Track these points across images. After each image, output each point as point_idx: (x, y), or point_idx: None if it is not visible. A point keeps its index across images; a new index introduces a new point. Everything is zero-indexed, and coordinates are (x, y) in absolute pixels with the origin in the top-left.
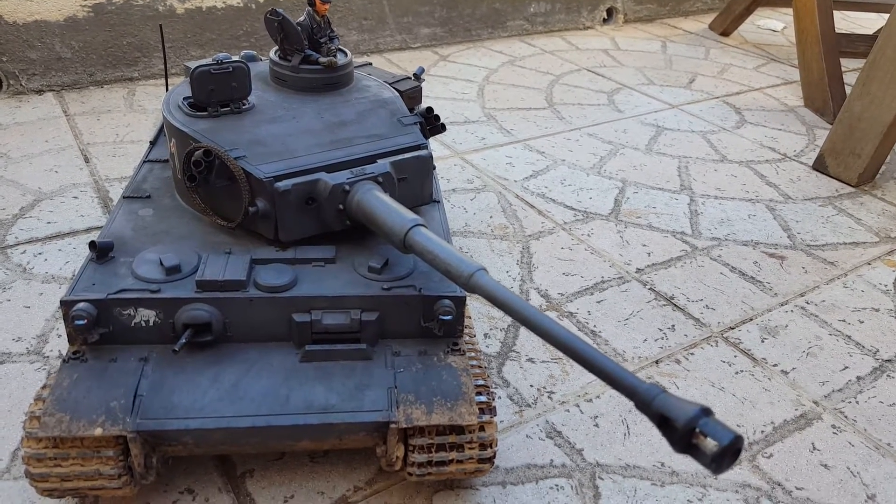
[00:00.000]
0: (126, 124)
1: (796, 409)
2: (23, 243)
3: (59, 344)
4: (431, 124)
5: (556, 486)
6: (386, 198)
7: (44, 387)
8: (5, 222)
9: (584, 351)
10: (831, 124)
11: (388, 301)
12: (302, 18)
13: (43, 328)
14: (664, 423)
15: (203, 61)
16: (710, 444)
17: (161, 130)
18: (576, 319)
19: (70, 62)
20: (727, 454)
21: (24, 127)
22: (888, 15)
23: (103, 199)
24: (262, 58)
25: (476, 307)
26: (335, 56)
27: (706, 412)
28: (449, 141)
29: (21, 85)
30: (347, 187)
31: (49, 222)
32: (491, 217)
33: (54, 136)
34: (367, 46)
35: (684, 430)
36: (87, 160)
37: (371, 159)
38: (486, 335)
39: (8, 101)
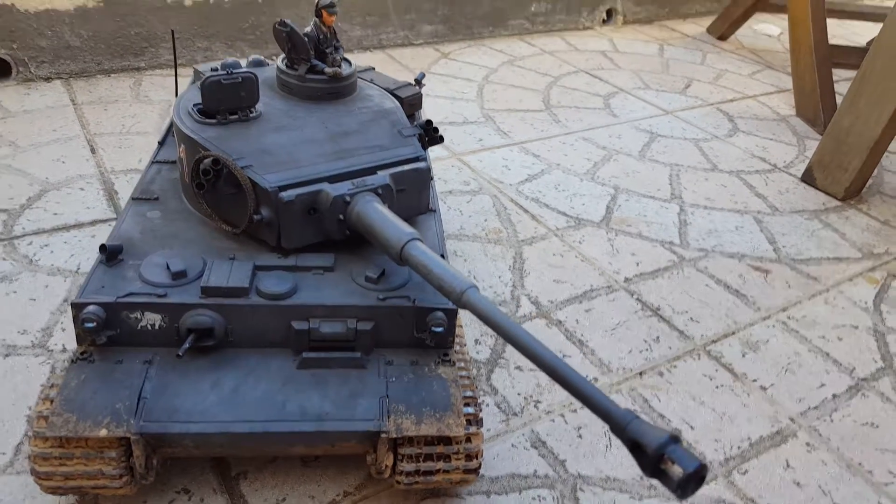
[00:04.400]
0: (132, 115)
1: (773, 426)
2: (29, 234)
3: (63, 338)
4: (430, 136)
5: (539, 496)
6: (384, 210)
7: (50, 385)
8: (13, 212)
9: (565, 373)
10: (821, 135)
11: (384, 311)
12: (309, 29)
13: (48, 321)
14: (636, 447)
15: (212, 65)
16: (677, 471)
17: (169, 130)
18: (564, 328)
19: (79, 50)
20: (692, 480)
21: (33, 115)
22: (881, 24)
23: (108, 192)
24: (269, 62)
25: (469, 313)
26: (340, 66)
27: (675, 439)
28: (447, 142)
29: (30, 72)
30: (348, 198)
31: (55, 213)
32: (486, 220)
33: (62, 126)
34: (370, 42)
35: (654, 456)
36: (93, 151)
37: (371, 171)
38: (476, 341)
39: (17, 87)
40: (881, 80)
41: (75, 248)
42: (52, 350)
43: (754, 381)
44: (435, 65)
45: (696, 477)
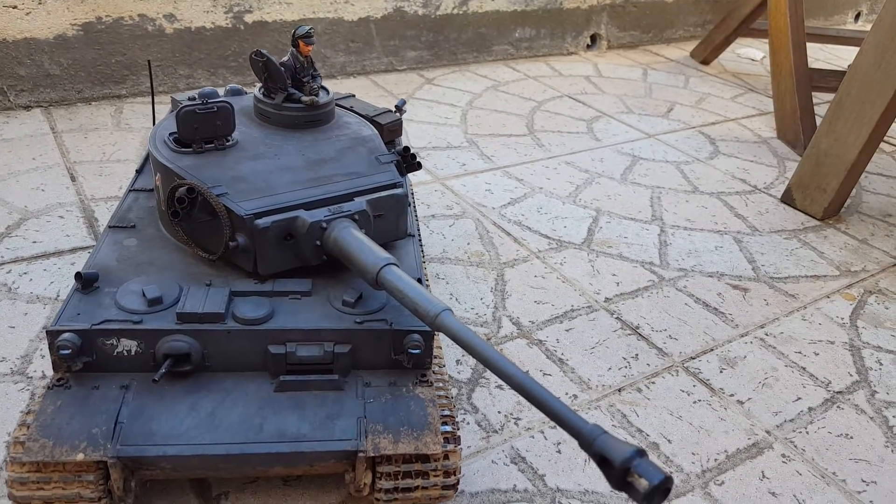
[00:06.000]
0: (113, 143)
1: (749, 439)
2: (8, 262)
3: (42, 364)
4: (408, 163)
5: None
6: (361, 236)
7: (28, 412)
8: None
9: (536, 392)
10: (801, 157)
11: (361, 334)
12: (286, 58)
13: (27, 349)
14: (603, 462)
15: (189, 94)
16: (643, 483)
17: (147, 159)
18: (545, 347)
19: (59, 79)
20: (657, 492)
21: (12, 143)
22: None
23: (89, 220)
24: (247, 91)
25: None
26: (317, 95)
27: (641, 453)
28: (430, 166)
29: (9, 100)
30: (325, 224)
31: (35, 242)
32: (468, 244)
33: (41, 154)
34: (353, 68)
35: (620, 469)
36: (73, 179)
37: (348, 197)
38: (458, 361)
39: None
40: (857, 104)
41: (55, 275)
42: (31, 377)
43: (731, 395)
44: (419, 90)
45: (662, 489)
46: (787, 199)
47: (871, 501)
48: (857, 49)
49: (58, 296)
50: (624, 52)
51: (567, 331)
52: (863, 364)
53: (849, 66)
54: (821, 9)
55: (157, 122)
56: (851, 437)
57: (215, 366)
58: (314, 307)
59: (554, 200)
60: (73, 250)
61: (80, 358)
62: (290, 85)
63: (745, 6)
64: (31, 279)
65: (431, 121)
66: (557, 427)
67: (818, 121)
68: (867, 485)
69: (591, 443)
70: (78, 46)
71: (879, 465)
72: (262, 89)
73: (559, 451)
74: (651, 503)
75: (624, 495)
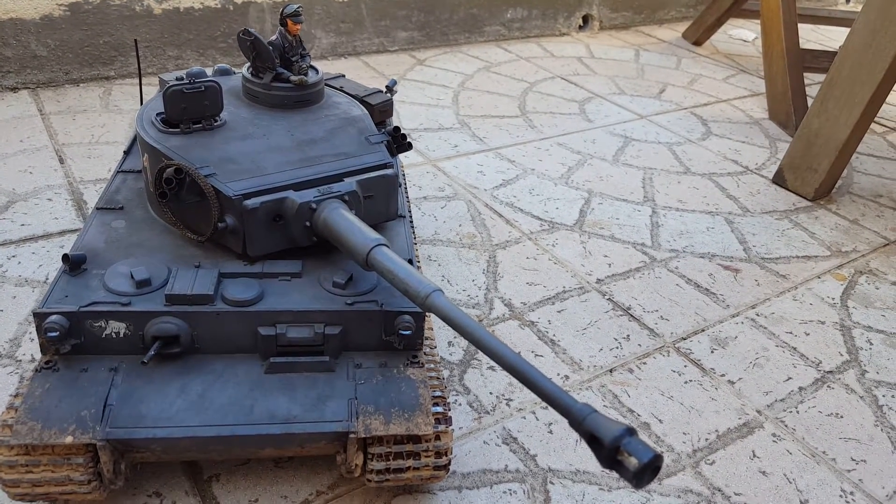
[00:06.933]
0: (101, 125)
1: (740, 418)
2: None
3: (31, 348)
4: (398, 143)
5: (510, 490)
6: (351, 216)
7: (16, 395)
8: None
9: (526, 372)
10: (793, 138)
11: (351, 316)
12: (274, 38)
13: (16, 332)
14: (593, 440)
15: (177, 74)
16: (633, 462)
17: (135, 140)
18: (536, 328)
19: (46, 60)
20: (647, 470)
21: None
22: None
23: (77, 202)
24: (236, 70)
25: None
26: (306, 74)
27: (630, 432)
28: (422, 148)
29: None
30: (314, 205)
31: (23, 224)
32: (460, 226)
33: (29, 136)
34: (344, 49)
35: (610, 448)
36: (61, 161)
37: (338, 178)
38: (449, 343)
39: None
40: (848, 84)
41: (43, 258)
42: (20, 360)
43: (722, 375)
44: (410, 71)
45: (651, 467)
46: (779, 179)
47: (860, 480)
48: (849, 30)
49: (46, 279)
50: (616, 32)
51: (559, 312)
52: (853, 344)
53: (840, 46)
54: None
55: (143, 103)
56: (842, 417)
57: (205, 348)
58: (304, 289)
59: (546, 182)
60: (62, 233)
61: (69, 340)
62: (279, 64)
63: None
64: (19, 262)
65: (423, 102)
66: (549, 408)
67: (810, 101)
68: (857, 463)
69: (580, 421)
70: (65, 27)
71: (869, 443)
72: (251, 69)
73: (551, 432)
74: (641, 481)
75: (615, 474)
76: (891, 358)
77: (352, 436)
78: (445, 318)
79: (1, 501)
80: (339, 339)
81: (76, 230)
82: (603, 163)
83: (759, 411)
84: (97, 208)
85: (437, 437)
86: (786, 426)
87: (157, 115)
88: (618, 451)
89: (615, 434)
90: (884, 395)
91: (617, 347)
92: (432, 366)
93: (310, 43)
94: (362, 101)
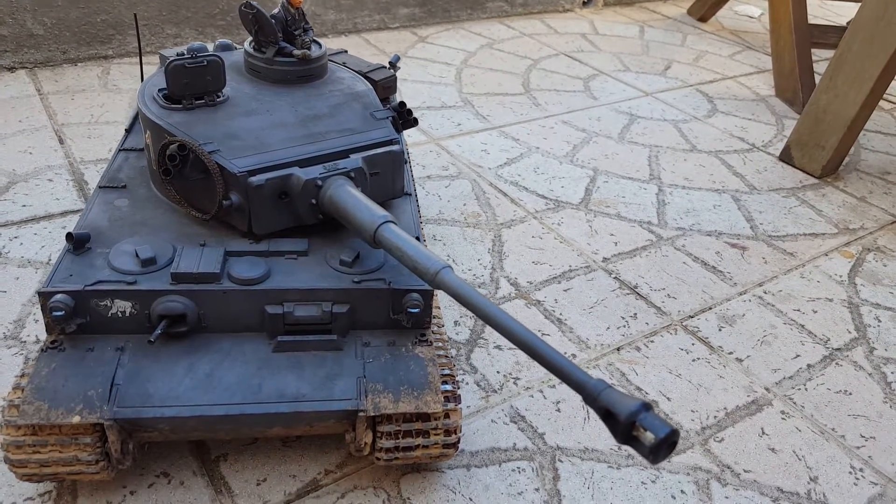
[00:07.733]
0: (100, 104)
1: (748, 396)
2: None
3: (36, 329)
4: (404, 118)
5: (518, 468)
6: (357, 193)
7: (22, 375)
8: None
9: (539, 347)
10: (800, 114)
11: (359, 294)
12: (276, 11)
13: (20, 313)
14: (608, 416)
15: (178, 49)
16: (649, 437)
17: (136, 117)
18: (543, 307)
19: (43, 39)
20: (663, 446)
21: None
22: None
23: (78, 182)
24: (238, 46)
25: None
26: (309, 48)
27: (647, 407)
28: (426, 126)
29: None
30: (320, 182)
31: (24, 205)
32: (465, 205)
33: (28, 116)
34: (344, 26)
35: (626, 423)
36: (61, 141)
37: (344, 154)
38: (456, 322)
39: None
40: (858, 59)
41: (45, 239)
42: (24, 341)
43: (730, 353)
44: (412, 49)
45: (668, 442)
46: (786, 157)
47: (869, 457)
48: (857, 5)
49: (49, 259)
50: (620, 9)
51: (565, 291)
52: (861, 321)
53: (849, 21)
54: None
55: (145, 79)
56: (850, 394)
57: (212, 326)
58: (311, 267)
59: (551, 160)
60: (64, 213)
61: (74, 320)
62: (282, 38)
63: None
64: (21, 243)
65: (425, 80)
66: (557, 386)
67: (817, 78)
68: (866, 440)
69: (595, 397)
70: (62, 5)
71: (878, 420)
72: (253, 43)
73: (559, 410)
74: (657, 457)
75: (624, 452)
76: None
77: (361, 414)
78: (455, 294)
79: (9, 482)
80: (347, 318)
81: (78, 211)
82: (608, 140)
83: (767, 389)
84: (100, 187)
85: (447, 415)
86: (794, 403)
87: (159, 90)
88: (633, 426)
89: (631, 409)
90: (892, 372)
91: (624, 326)
92: (440, 344)
93: (310, 20)
94: (366, 76)
